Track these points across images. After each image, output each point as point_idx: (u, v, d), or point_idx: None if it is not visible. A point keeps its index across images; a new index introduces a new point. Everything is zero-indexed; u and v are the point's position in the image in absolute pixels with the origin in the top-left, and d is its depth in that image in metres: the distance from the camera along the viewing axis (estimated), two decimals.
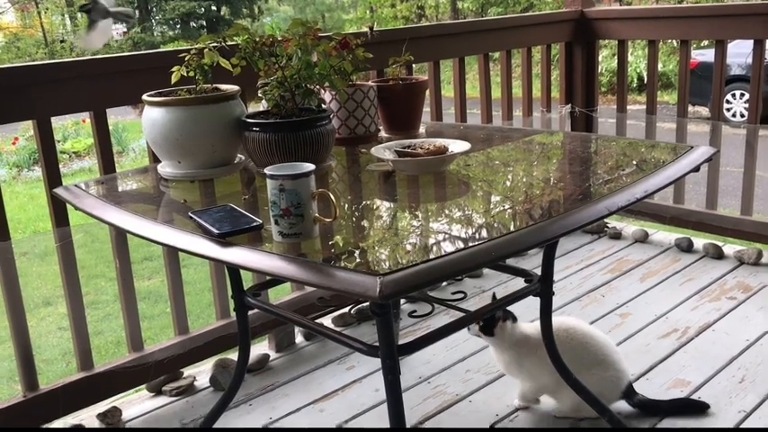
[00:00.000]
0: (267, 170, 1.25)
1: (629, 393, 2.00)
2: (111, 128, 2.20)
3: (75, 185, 1.71)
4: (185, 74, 1.71)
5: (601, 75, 9.90)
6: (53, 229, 2.04)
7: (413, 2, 18.25)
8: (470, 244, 1.18)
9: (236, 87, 1.74)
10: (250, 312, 1.81)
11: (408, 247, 1.22)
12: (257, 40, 1.64)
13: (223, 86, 1.76)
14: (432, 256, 1.13)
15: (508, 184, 1.61)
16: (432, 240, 1.26)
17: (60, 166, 2.07)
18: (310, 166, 1.26)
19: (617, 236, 3.50)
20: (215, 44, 1.69)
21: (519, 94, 3.42)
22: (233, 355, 2.40)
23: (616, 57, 3.47)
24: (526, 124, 3.34)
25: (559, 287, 2.92)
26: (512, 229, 1.27)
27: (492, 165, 1.80)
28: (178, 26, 23.82)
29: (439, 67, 2.92)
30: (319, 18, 17.34)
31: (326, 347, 2.57)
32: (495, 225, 1.32)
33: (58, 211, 2.01)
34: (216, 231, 1.26)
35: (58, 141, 9.60)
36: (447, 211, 1.44)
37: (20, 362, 2.04)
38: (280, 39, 1.69)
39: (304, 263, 1.16)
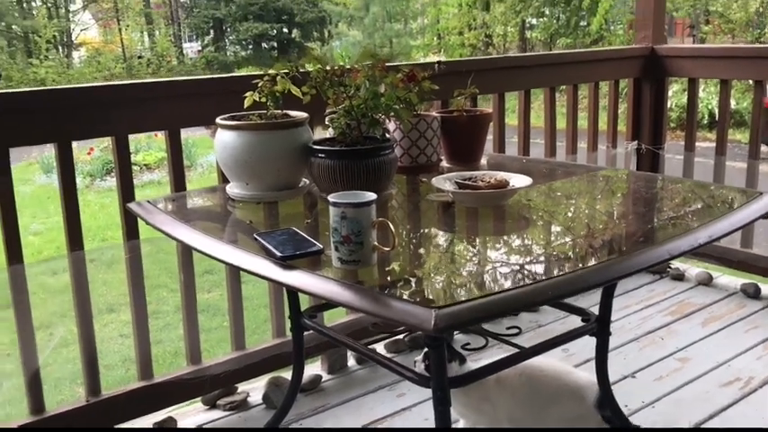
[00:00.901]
0: (330, 197, 1.29)
1: (602, 405, 1.84)
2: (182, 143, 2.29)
3: (148, 201, 1.78)
4: (257, 99, 1.77)
5: (670, 110, 9.69)
6: (123, 241, 2.13)
7: (480, 30, 18.31)
8: (528, 281, 1.19)
9: (304, 114, 1.79)
10: (305, 333, 1.85)
11: (465, 280, 1.23)
12: (328, 69, 1.70)
13: (292, 113, 1.82)
14: (488, 292, 1.14)
15: (569, 221, 1.61)
16: (489, 275, 1.27)
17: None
18: (372, 196, 1.30)
19: (679, 277, 3.42)
20: (287, 72, 1.75)
21: (585, 126, 3.39)
22: (286, 374, 2.44)
23: (687, 93, 3.41)
24: (590, 159, 3.31)
25: (616, 327, 2.86)
26: (571, 268, 1.27)
27: (553, 201, 1.80)
28: (250, 47, 24.50)
29: (504, 98, 2.94)
30: (387, 43, 17.58)
31: (378, 373, 2.58)
32: (554, 263, 1.32)
33: (130, 223, 2.10)
34: (278, 254, 1.30)
35: (131, 153, 9.96)
36: (505, 246, 1.45)
37: (85, 366, 2.12)
38: (349, 68, 1.74)
39: (361, 290, 1.18)
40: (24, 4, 22.78)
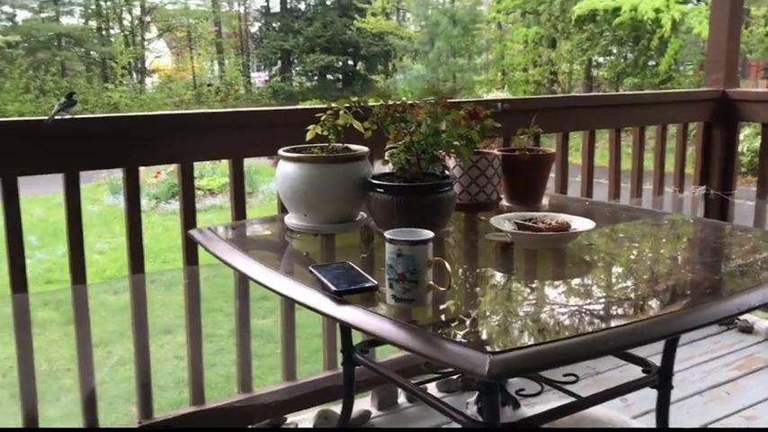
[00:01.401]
0: (387, 234, 1.28)
1: None
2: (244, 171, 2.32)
3: (209, 229, 1.81)
4: (320, 132, 1.79)
5: (741, 154, 9.39)
6: (183, 265, 2.17)
7: (545, 67, 18.23)
8: (588, 330, 1.15)
9: (365, 149, 1.80)
10: (357, 367, 1.83)
11: (521, 326, 1.20)
12: (390, 105, 1.70)
13: (353, 146, 1.82)
14: (546, 339, 1.11)
15: (631, 267, 1.56)
16: (546, 320, 1.23)
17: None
18: (429, 234, 1.28)
19: (748, 330, 3.26)
20: (350, 106, 1.76)
21: (650, 168, 3.30)
22: (335, 407, 2.43)
23: (760, 138, 3.29)
24: (656, 202, 3.22)
25: (679, 379, 2.74)
26: (634, 318, 1.22)
27: (616, 246, 1.75)
28: (316, 78, 25.00)
29: (567, 138, 2.89)
30: (450, 78, 17.68)
31: (429, 411, 2.53)
32: (616, 312, 1.27)
33: (190, 248, 2.14)
34: (333, 288, 1.30)
35: (195, 178, 10.23)
36: (564, 291, 1.41)
37: (139, 386, 2.15)
38: (411, 104, 1.74)
39: (414, 330, 1.16)
40: (103, 32, 23.88)
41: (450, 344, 1.10)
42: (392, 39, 21.08)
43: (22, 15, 22.80)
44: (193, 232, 1.83)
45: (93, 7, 23.72)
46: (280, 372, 2.44)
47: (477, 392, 1.67)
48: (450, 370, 1.88)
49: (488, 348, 1.06)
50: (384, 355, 2.60)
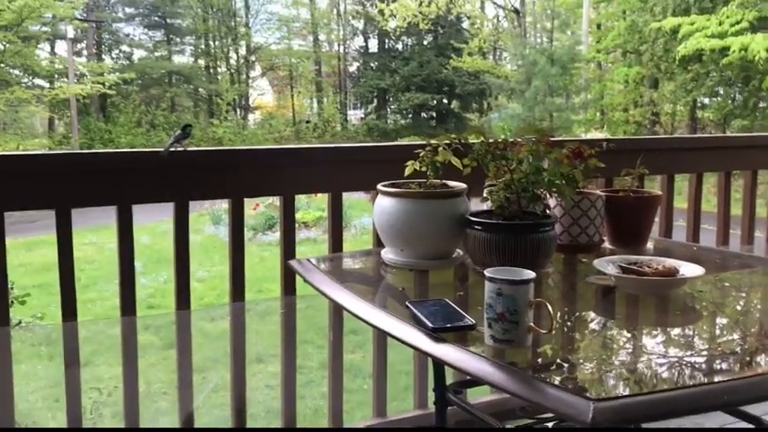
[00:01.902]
0: (487, 272, 1.26)
1: None
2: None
3: (308, 260, 1.85)
4: (418, 168, 1.80)
5: None
6: (281, 294, 2.21)
7: (647, 108, 17.73)
8: (699, 381, 1.08)
9: (463, 185, 1.80)
10: (449, 408, 1.80)
11: (626, 373, 1.15)
12: (491, 142, 1.69)
13: (451, 183, 1.82)
14: (653, 389, 1.05)
15: (744, 318, 1.47)
16: (654, 369, 1.17)
17: None
18: (530, 274, 1.25)
19: None
20: (449, 143, 1.76)
21: (763, 214, 3.12)
22: None
23: None
24: None
25: None
26: (750, 372, 1.14)
27: (726, 294, 1.65)
28: (410, 116, 25.35)
29: (673, 180, 2.79)
30: (547, 117, 17.49)
31: None
32: (730, 364, 1.20)
33: (288, 278, 2.18)
34: (430, 325, 1.29)
35: None
36: (671, 340, 1.34)
37: (233, 414, 2.20)
38: (512, 142, 1.73)
39: (514, 372, 1.13)
40: (211, 70, 25.16)
41: (551, 388, 1.07)
42: (488, 77, 21.12)
43: (138, 54, 24.42)
44: (293, 263, 1.87)
45: (203, 47, 25.08)
46: (369, 408, 2.43)
47: None
48: (547, 416, 1.82)
49: (591, 395, 1.01)
50: (476, 396, 2.54)
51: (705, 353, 1.26)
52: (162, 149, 1.94)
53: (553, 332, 1.23)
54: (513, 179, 1.68)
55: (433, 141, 1.80)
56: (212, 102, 24.04)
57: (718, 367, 1.19)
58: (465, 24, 25.66)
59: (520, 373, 1.14)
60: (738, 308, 1.55)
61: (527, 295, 1.22)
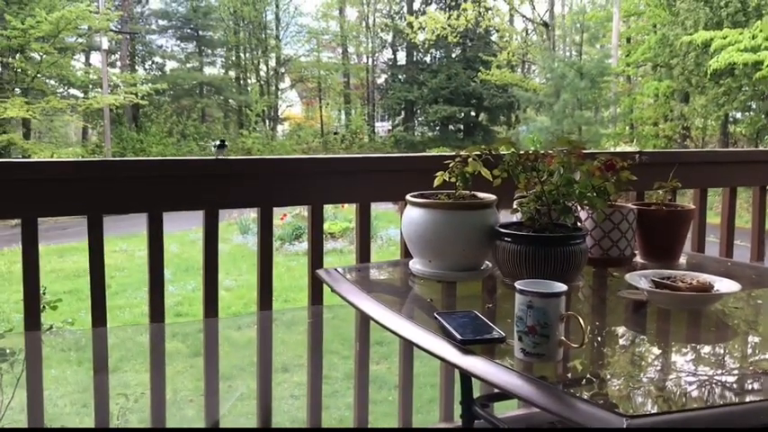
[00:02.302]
0: (518, 284, 1.24)
1: None
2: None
3: (335, 270, 1.84)
4: (447, 179, 1.79)
5: None
6: (308, 304, 2.21)
7: (677, 122, 17.52)
8: (732, 401, 1.06)
9: (493, 197, 1.78)
10: (476, 421, 1.78)
11: (660, 390, 1.12)
12: (521, 153, 1.68)
13: (480, 194, 1.81)
14: (688, 406, 1.03)
15: None
16: (689, 387, 1.14)
17: None
18: (562, 287, 1.24)
19: None
20: (479, 154, 1.75)
21: None
22: None
23: None
24: None
25: None
26: None
27: (764, 312, 1.61)
28: (437, 128, 25.35)
29: (706, 194, 2.74)
30: (575, 130, 17.37)
31: None
32: (764, 385, 1.16)
33: (315, 288, 2.18)
34: (459, 337, 1.27)
35: None
36: (704, 357, 1.31)
37: (259, 423, 2.19)
38: (543, 154, 1.71)
39: (544, 386, 1.12)
40: (241, 82, 25.45)
41: (582, 403, 1.05)
42: (516, 90, 21.06)
43: (170, 65, 24.81)
44: (320, 272, 1.86)
45: (234, 58, 25.38)
46: (394, 419, 2.41)
47: None
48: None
49: (625, 410, 0.99)
50: (504, 411, 2.51)
51: (738, 371, 1.23)
52: (219, 157, 1.97)
53: (584, 346, 1.20)
54: (544, 191, 1.67)
55: (462, 152, 1.79)
56: (242, 113, 24.29)
57: (752, 387, 1.16)
58: (494, 37, 25.66)
59: (551, 387, 1.12)
60: None
61: (558, 308, 1.20)
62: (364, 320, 2.28)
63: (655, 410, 1.01)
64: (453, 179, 1.79)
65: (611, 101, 18.88)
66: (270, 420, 2.20)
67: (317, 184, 2.16)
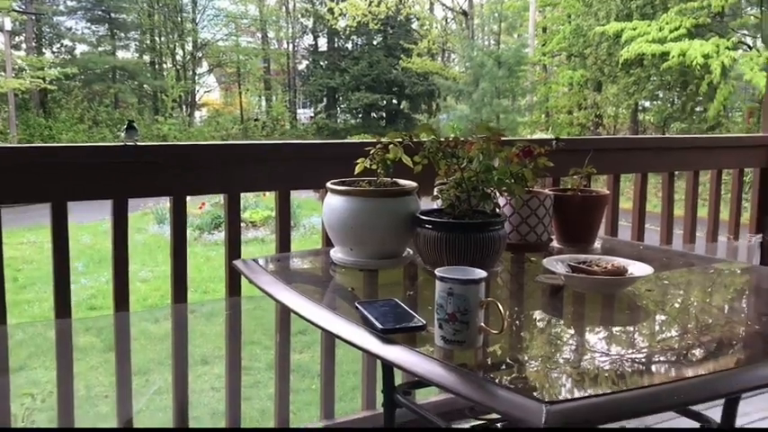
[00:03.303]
0: (438, 272, 1.23)
1: None
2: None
3: (254, 260, 1.79)
4: (368, 166, 1.77)
5: None
6: (226, 295, 2.15)
7: (591, 110, 18.11)
8: (652, 382, 1.08)
9: (414, 184, 1.77)
10: (397, 409, 1.77)
11: (578, 375, 1.14)
12: (442, 140, 1.67)
13: (401, 181, 1.79)
14: (605, 390, 1.04)
15: (693, 317, 1.48)
16: (606, 370, 1.16)
17: None
18: (482, 273, 1.23)
19: None
20: (400, 140, 1.74)
21: (704, 215, 3.20)
22: None
23: None
24: (709, 250, 3.11)
25: None
26: (700, 372, 1.14)
27: (675, 294, 1.67)
28: (360, 115, 25.31)
29: (619, 180, 2.82)
30: (494, 119, 17.69)
31: None
32: (682, 365, 1.20)
33: (233, 279, 2.12)
34: (379, 327, 1.25)
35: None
36: (622, 339, 1.34)
37: (175, 417, 2.12)
38: (463, 141, 1.71)
39: (465, 375, 1.11)
40: (156, 66, 24.62)
41: (502, 390, 1.05)
42: (437, 79, 21.26)
43: (80, 49, 23.73)
44: (237, 263, 1.81)
45: (148, 42, 24.53)
46: (316, 408, 2.38)
47: None
48: (496, 417, 1.80)
49: (543, 397, 0.99)
50: (425, 397, 2.53)
51: (655, 352, 1.26)
52: (128, 143, 1.87)
53: (503, 332, 1.21)
54: (464, 177, 1.66)
55: (384, 139, 1.77)
56: (157, 98, 23.51)
57: (669, 367, 1.20)
58: (414, 25, 25.78)
59: (470, 375, 1.12)
60: (686, 306, 1.56)
61: (478, 295, 1.20)
62: (285, 310, 2.24)
63: (574, 394, 1.01)
64: (374, 166, 1.76)
65: (528, 89, 19.33)
66: (187, 414, 2.13)
67: (234, 172, 2.09)
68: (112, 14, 23.72)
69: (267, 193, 11.24)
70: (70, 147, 2.01)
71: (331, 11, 23.14)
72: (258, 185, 2.19)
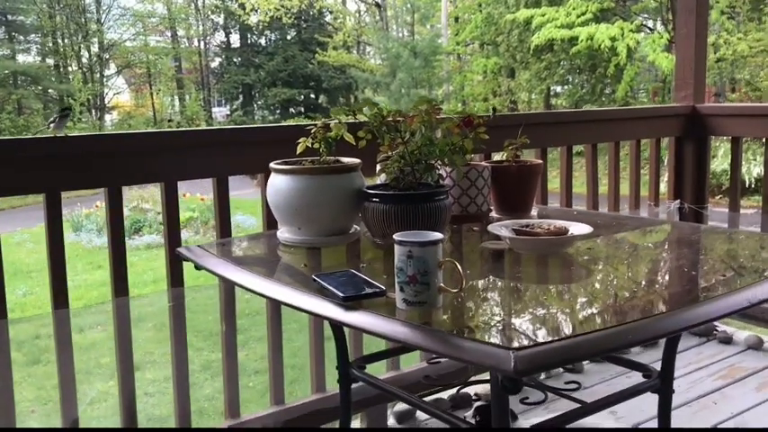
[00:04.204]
0: (396, 236, 1.25)
1: None
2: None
3: (198, 247, 1.76)
4: (310, 145, 1.77)
5: (712, 177, 9.50)
6: (168, 288, 2.10)
7: (505, 97, 18.55)
8: (604, 325, 1.13)
9: (357, 160, 1.78)
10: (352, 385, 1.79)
11: (536, 325, 1.18)
12: (384, 114, 1.69)
13: (344, 159, 1.80)
14: (564, 336, 1.09)
15: (633, 269, 1.56)
16: (560, 319, 1.21)
17: (158, 236, 2.15)
18: (439, 235, 1.26)
19: (727, 341, 3.30)
20: (345, 114, 1.74)
21: (625, 191, 3.34)
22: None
23: (730, 153, 3.36)
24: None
25: None
26: (643, 314, 1.21)
27: (614, 250, 1.75)
28: (278, 111, 25.03)
29: (546, 153, 2.92)
30: None
31: None
32: (625, 310, 1.26)
33: (175, 270, 2.08)
34: (341, 295, 1.26)
35: (159, 214, 10.11)
36: (570, 293, 1.39)
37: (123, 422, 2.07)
38: (403, 114, 1.73)
39: (432, 331, 1.14)
40: (61, 69, 23.59)
41: (470, 342, 1.08)
42: (354, 71, 21.27)
43: None
44: (181, 250, 1.78)
45: (51, 45, 23.47)
46: (256, 404, 2.37)
47: (474, 408, 1.65)
48: (453, 383, 1.85)
49: (510, 345, 1.03)
50: (377, 372, 2.54)
51: (603, 301, 1.32)
52: (52, 130, 1.79)
53: (462, 291, 1.24)
54: (407, 151, 1.69)
55: (325, 120, 1.78)
56: (64, 102, 22.53)
57: (616, 313, 1.26)
58: (328, 18, 25.68)
59: (437, 331, 1.14)
60: (624, 260, 1.64)
61: (436, 256, 1.23)
62: (229, 301, 2.21)
63: (537, 340, 1.05)
64: (317, 145, 1.77)
65: (444, 79, 19.62)
66: (135, 419, 2.08)
67: (170, 160, 2.05)
68: (9, 17, 22.57)
69: (188, 194, 11.01)
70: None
71: (242, 6, 22.76)
72: (196, 173, 2.13)
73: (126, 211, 10.27)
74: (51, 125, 1.82)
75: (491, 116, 1.93)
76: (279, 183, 1.72)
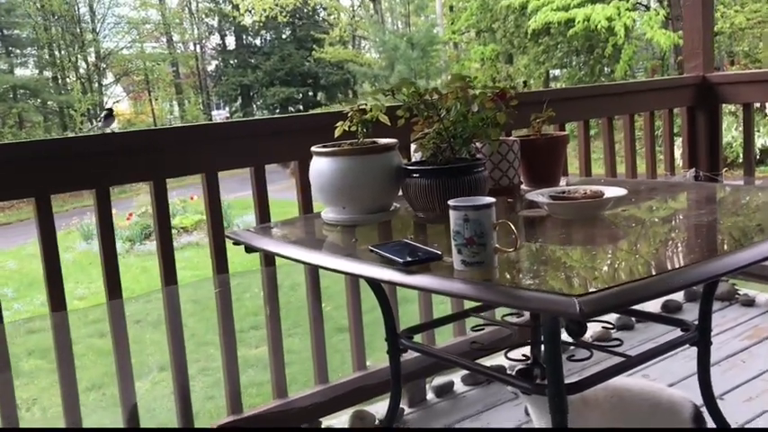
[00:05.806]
0: (451, 202, 1.32)
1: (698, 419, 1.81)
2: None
3: (247, 230, 1.84)
4: (347, 128, 1.83)
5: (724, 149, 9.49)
6: (214, 275, 2.17)
7: (505, 83, 18.53)
8: (658, 272, 1.20)
9: (394, 140, 1.85)
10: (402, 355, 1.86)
11: (594, 275, 1.25)
12: (421, 92, 1.76)
13: (381, 140, 1.87)
14: (621, 281, 1.16)
15: (671, 225, 1.63)
16: (614, 269, 1.28)
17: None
18: (491, 199, 1.33)
19: (749, 303, 3.37)
20: (384, 93, 1.80)
21: (641, 165, 3.41)
22: (368, 407, 2.45)
23: (742, 120, 3.43)
24: None
25: (694, 352, 2.82)
26: (689, 261, 1.28)
27: (649, 211, 1.81)
28: (277, 110, 25.06)
29: (564, 128, 2.98)
30: None
31: (458, 405, 2.56)
32: (674, 258, 1.33)
33: (220, 257, 2.15)
34: (401, 261, 1.33)
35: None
36: (616, 247, 1.47)
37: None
38: (438, 92, 1.79)
39: (494, 286, 1.21)
40: (59, 81, 23.65)
41: (533, 293, 1.15)
42: (351, 66, 21.30)
43: None
44: (231, 233, 1.85)
45: (48, 57, 23.53)
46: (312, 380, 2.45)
47: (517, 368, 1.72)
48: (500, 347, 1.91)
49: (573, 292, 1.10)
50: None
51: (649, 252, 1.39)
52: (104, 129, 1.86)
53: (517, 250, 1.31)
54: (444, 127, 1.76)
55: (361, 103, 1.84)
56: (64, 114, 22.60)
57: (664, 260, 1.33)
58: (322, 15, 25.70)
59: (500, 285, 1.22)
60: (660, 218, 1.71)
61: (491, 218, 1.30)
62: (271, 292, 2.27)
63: (598, 287, 1.13)
64: (354, 128, 1.83)
65: (443, 68, 19.64)
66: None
67: (209, 151, 2.12)
68: (5, 31, 22.63)
69: (195, 197, 11.05)
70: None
71: (237, 8, 22.80)
72: (236, 163, 2.20)
73: (135, 218, 10.38)
74: (100, 122, 1.89)
75: (522, 87, 2.00)
76: (321, 165, 1.79)
